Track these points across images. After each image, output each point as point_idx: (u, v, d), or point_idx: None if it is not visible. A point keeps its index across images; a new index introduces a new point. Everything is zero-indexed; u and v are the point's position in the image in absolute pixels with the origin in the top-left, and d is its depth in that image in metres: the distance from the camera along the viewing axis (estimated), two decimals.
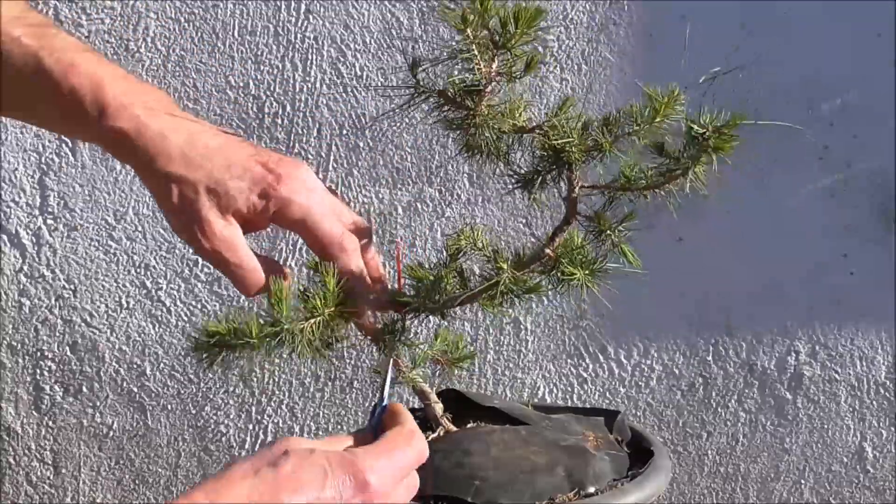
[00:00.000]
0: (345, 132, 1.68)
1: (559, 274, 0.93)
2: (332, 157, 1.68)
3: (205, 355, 0.88)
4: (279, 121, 1.68)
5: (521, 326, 1.73)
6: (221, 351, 0.87)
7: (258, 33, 1.66)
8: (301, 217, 0.92)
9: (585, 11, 1.67)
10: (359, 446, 0.82)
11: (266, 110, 1.68)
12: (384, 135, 1.67)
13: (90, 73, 0.93)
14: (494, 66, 0.91)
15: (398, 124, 1.64)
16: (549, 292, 0.95)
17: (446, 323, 0.97)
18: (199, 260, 1.69)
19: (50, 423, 1.75)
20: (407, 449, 0.82)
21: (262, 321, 0.85)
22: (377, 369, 0.96)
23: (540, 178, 0.95)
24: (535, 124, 0.95)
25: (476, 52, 0.89)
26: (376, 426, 0.87)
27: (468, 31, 0.88)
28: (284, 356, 0.88)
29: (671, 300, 1.73)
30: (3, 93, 0.94)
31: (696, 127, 0.88)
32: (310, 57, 1.67)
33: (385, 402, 0.90)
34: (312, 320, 0.87)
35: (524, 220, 1.70)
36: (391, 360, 0.95)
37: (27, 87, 0.94)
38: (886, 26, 1.67)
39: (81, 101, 0.91)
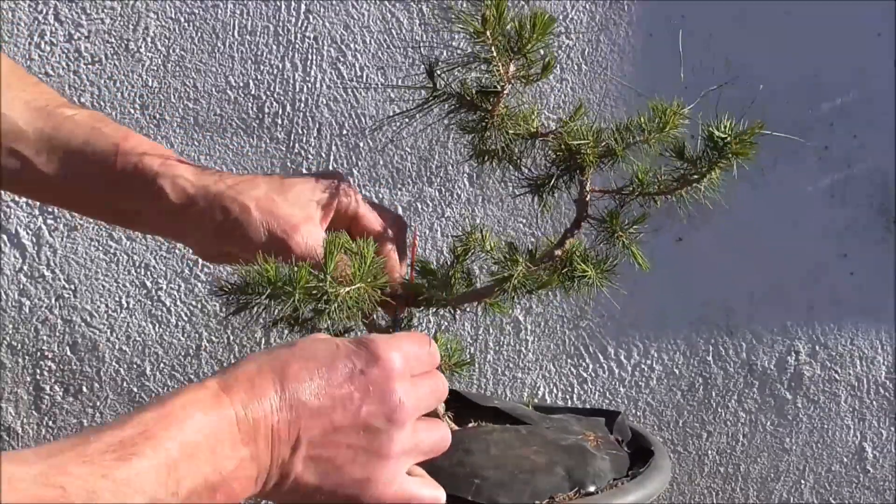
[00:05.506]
0: (345, 132, 1.68)
1: (571, 272, 0.95)
2: (332, 157, 1.68)
3: (233, 298, 0.89)
4: (279, 121, 1.68)
5: (521, 326, 1.73)
6: (254, 296, 0.88)
7: (258, 33, 1.66)
8: (353, 211, 1.03)
9: (585, 11, 1.67)
10: None
11: (266, 110, 1.67)
12: (384, 135, 1.67)
13: (143, 139, 1.03)
14: (511, 68, 0.92)
15: (408, 127, 1.64)
16: (559, 290, 0.98)
17: (446, 324, 0.98)
18: (199, 260, 1.68)
19: (50, 423, 1.75)
20: (418, 342, 0.85)
21: (311, 274, 0.87)
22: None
23: (552, 182, 0.98)
24: (549, 129, 0.97)
25: (495, 54, 0.91)
26: None
27: (487, 32, 0.90)
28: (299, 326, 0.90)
29: (671, 300, 1.72)
30: (67, 171, 1.01)
31: (718, 132, 0.90)
32: (310, 57, 1.67)
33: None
34: (349, 287, 0.89)
35: (524, 221, 1.70)
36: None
37: (85, 161, 1.01)
38: (886, 26, 1.67)
39: (143, 157, 1.00)
